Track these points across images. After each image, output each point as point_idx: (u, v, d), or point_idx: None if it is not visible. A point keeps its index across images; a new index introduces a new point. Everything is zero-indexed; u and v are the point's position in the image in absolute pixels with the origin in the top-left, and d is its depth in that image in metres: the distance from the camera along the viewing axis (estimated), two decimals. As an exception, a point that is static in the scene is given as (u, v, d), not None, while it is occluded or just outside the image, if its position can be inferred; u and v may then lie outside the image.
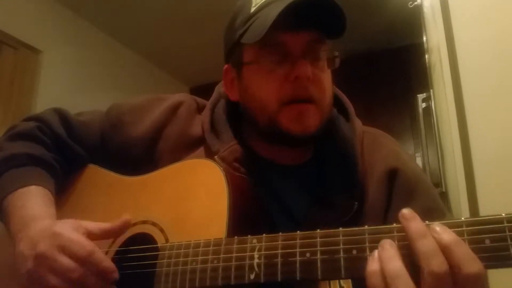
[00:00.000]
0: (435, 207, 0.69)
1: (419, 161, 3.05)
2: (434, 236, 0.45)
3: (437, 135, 1.72)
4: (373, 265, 0.46)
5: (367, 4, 2.86)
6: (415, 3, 1.85)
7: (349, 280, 0.61)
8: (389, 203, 0.69)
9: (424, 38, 1.82)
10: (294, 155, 0.74)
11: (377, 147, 0.74)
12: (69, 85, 2.79)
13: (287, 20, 0.64)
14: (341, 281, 0.61)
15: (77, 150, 0.80)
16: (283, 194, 0.71)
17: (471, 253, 0.43)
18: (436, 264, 0.43)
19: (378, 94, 3.35)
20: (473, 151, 1.45)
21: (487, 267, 0.43)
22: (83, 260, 0.57)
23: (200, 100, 0.82)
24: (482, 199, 1.40)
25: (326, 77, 0.70)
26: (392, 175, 0.69)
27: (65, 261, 0.57)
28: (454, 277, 0.43)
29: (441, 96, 1.65)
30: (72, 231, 0.60)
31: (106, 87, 3.09)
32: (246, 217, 0.61)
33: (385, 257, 0.45)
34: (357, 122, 0.76)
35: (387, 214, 0.68)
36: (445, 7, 1.60)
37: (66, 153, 0.80)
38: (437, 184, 1.76)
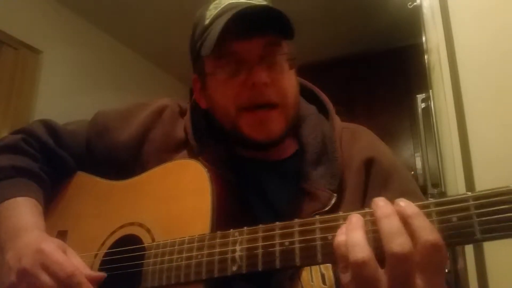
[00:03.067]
0: (410, 192, 0.71)
1: (418, 161, 3.06)
2: (397, 209, 0.46)
3: (436, 135, 1.73)
4: (339, 236, 0.47)
5: (366, 4, 2.86)
6: (415, 3, 1.86)
7: (329, 267, 0.64)
8: (366, 191, 0.71)
9: (424, 39, 1.83)
10: (276, 151, 0.76)
11: (355, 140, 0.76)
12: (69, 85, 2.79)
13: (239, 29, 0.66)
14: (322, 268, 0.64)
15: (66, 157, 0.82)
16: (267, 189, 0.73)
17: (430, 224, 0.44)
18: (398, 243, 0.43)
19: (377, 94, 3.36)
20: (472, 151, 1.46)
21: (454, 243, 0.45)
22: (62, 281, 0.59)
23: (183, 104, 0.84)
24: (481, 199, 1.40)
25: (287, 78, 0.71)
26: (368, 164, 0.72)
27: (45, 279, 0.59)
28: (415, 254, 0.43)
29: (440, 96, 1.65)
30: (57, 250, 0.62)
31: (106, 87, 3.10)
32: (229, 214, 0.63)
33: (349, 229, 0.47)
34: (336, 120, 0.78)
35: (365, 201, 0.70)
36: (444, 7, 1.61)
37: (55, 161, 0.82)
38: (436, 184, 1.76)
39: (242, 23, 0.65)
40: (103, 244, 0.70)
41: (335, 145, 0.73)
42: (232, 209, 0.65)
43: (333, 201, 0.68)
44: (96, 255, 0.70)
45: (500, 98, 1.47)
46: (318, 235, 0.51)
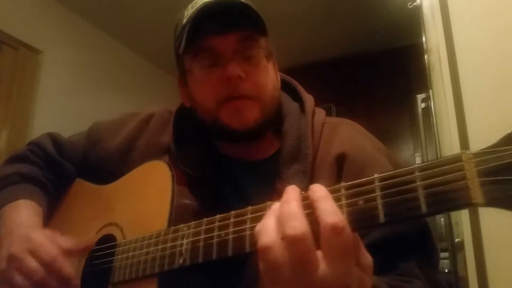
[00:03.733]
0: None
1: (418, 161, 3.06)
2: (307, 194, 0.45)
3: (436, 135, 1.73)
4: (257, 225, 0.46)
5: (366, 4, 2.86)
6: (415, 3, 1.86)
7: None
8: None
9: (424, 39, 1.83)
10: (257, 151, 0.78)
11: (334, 135, 0.75)
12: (69, 85, 2.79)
13: (213, 25, 0.69)
14: None
15: (67, 166, 0.89)
16: (246, 189, 0.74)
17: (334, 207, 0.43)
18: (290, 226, 0.42)
19: (377, 94, 3.36)
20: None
21: (360, 227, 0.43)
22: (47, 264, 0.64)
23: (174, 110, 0.86)
24: (481, 199, 1.40)
25: (262, 72, 0.73)
26: (340, 160, 0.71)
27: (31, 263, 0.64)
28: (313, 235, 0.42)
29: (440, 96, 1.65)
30: (44, 237, 0.67)
31: (106, 87, 3.10)
32: (203, 214, 0.62)
33: (265, 216, 0.46)
34: (317, 116, 0.78)
35: None
36: (444, 7, 1.61)
37: (58, 170, 0.89)
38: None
39: (216, 19, 0.68)
40: None
41: (307, 141, 0.73)
42: (208, 209, 0.64)
43: None
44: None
45: (500, 98, 1.47)
46: (248, 225, 0.51)
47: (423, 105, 2.01)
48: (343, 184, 0.46)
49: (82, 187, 0.88)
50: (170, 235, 0.61)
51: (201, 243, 0.56)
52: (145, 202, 0.71)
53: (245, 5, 0.68)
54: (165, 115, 0.85)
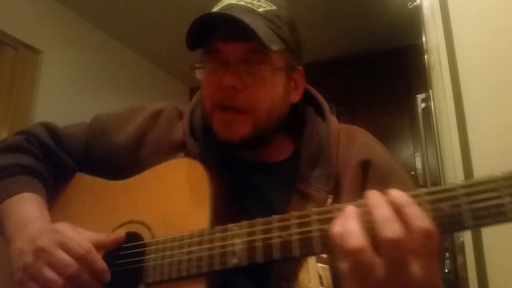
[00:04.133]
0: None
1: (418, 161, 3.06)
2: (389, 199, 0.47)
3: (436, 135, 1.73)
4: (335, 227, 0.48)
5: (366, 5, 2.86)
6: (415, 3, 1.85)
7: (327, 268, 0.65)
8: (363, 193, 0.70)
9: (424, 39, 1.83)
10: (273, 153, 0.78)
11: (351, 142, 0.76)
12: (69, 85, 2.79)
13: (226, 30, 0.69)
14: (319, 269, 0.65)
15: (66, 159, 0.84)
16: (264, 190, 0.75)
17: (422, 212, 0.46)
18: (391, 230, 0.45)
19: (377, 94, 3.36)
20: (472, 151, 1.46)
21: (447, 231, 0.47)
22: (79, 258, 0.61)
23: (180, 107, 0.86)
24: (481, 199, 1.40)
25: (264, 87, 0.71)
26: (365, 166, 0.72)
27: (63, 256, 0.61)
28: (409, 241, 0.44)
29: (440, 96, 1.65)
30: (72, 230, 0.64)
31: (106, 87, 3.10)
32: (225, 214, 0.64)
33: (345, 218, 0.48)
34: (333, 121, 0.79)
35: None
36: (444, 7, 1.60)
37: (56, 162, 0.83)
38: (436, 184, 1.76)
39: (230, 25, 0.67)
40: None
41: (330, 146, 0.74)
42: (228, 209, 0.66)
43: (328, 202, 0.69)
44: None
45: (500, 98, 1.47)
46: (315, 226, 0.53)
47: (423, 105, 2.01)
48: (422, 190, 0.49)
49: (85, 181, 0.83)
50: (218, 235, 0.59)
51: (259, 243, 0.55)
52: (176, 200, 0.68)
53: (249, 28, 0.66)
54: (174, 112, 0.83)
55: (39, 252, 0.61)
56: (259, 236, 0.56)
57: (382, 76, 3.37)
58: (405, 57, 3.15)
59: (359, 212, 0.49)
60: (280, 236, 0.54)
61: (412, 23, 1.99)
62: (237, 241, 0.57)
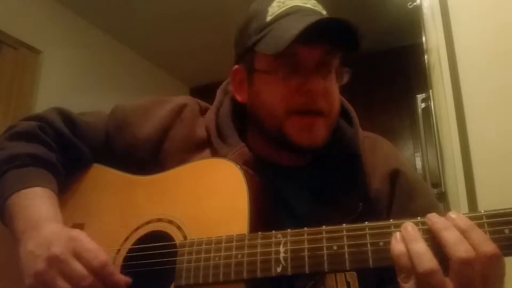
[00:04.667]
0: (433, 205, 0.73)
1: (418, 161, 3.06)
2: (454, 222, 0.48)
3: (436, 135, 1.73)
4: (398, 246, 0.49)
5: (366, 5, 2.86)
6: (415, 3, 1.85)
7: (354, 274, 0.64)
8: (391, 203, 0.71)
9: (424, 39, 1.83)
10: (295, 157, 0.76)
11: (377, 150, 0.76)
12: (69, 85, 2.79)
13: (304, 34, 0.64)
14: (347, 276, 0.64)
15: (82, 148, 0.80)
16: (286, 195, 0.72)
17: (486, 236, 0.47)
18: (463, 250, 0.46)
19: (377, 94, 3.36)
20: (472, 151, 1.46)
21: (508, 254, 0.47)
22: (95, 270, 0.58)
23: (202, 103, 0.83)
24: (481, 199, 1.41)
25: (335, 90, 0.72)
26: (394, 176, 0.72)
27: (78, 267, 0.57)
28: (477, 261, 0.46)
29: (440, 96, 1.65)
30: (88, 239, 0.61)
31: (106, 87, 3.10)
32: (262, 216, 0.63)
33: (408, 239, 0.49)
34: (360, 129, 0.79)
35: (389, 212, 0.70)
36: (444, 7, 1.60)
37: (71, 151, 0.79)
38: (437, 184, 1.76)
39: (309, 29, 0.64)
40: (126, 239, 0.68)
41: (359, 152, 0.74)
42: (264, 212, 0.64)
43: (359, 210, 0.68)
44: (118, 251, 0.68)
45: (500, 98, 1.47)
46: (368, 240, 0.52)
47: (423, 105, 2.01)
48: (483, 212, 0.49)
49: (104, 173, 0.78)
50: (259, 241, 0.57)
51: (306, 253, 0.54)
52: (211, 201, 0.64)
53: (353, 27, 0.66)
54: (196, 107, 0.81)
55: (53, 260, 0.58)
56: (306, 246, 0.54)
57: (382, 76, 3.37)
58: (405, 57, 3.15)
59: (419, 231, 0.50)
60: (329, 248, 0.53)
61: (412, 23, 1.99)
62: (281, 248, 0.55)
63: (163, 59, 3.61)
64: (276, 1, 0.71)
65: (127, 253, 0.67)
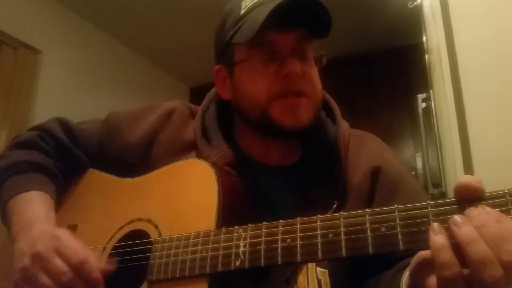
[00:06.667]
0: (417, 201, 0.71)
1: (419, 161, 3.05)
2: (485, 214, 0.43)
3: (437, 135, 1.72)
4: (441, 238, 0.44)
5: (367, 4, 2.86)
6: (415, 3, 1.85)
7: (326, 272, 0.66)
8: (371, 199, 0.72)
9: (424, 38, 1.82)
10: (282, 156, 0.78)
11: (361, 148, 0.77)
12: (69, 85, 2.79)
13: (276, 20, 0.67)
14: (318, 273, 0.66)
15: (79, 155, 0.85)
16: (270, 193, 0.75)
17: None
18: (489, 274, 0.41)
19: (378, 94, 3.36)
20: (473, 151, 1.45)
21: None
22: (74, 266, 0.61)
23: (193, 106, 0.86)
24: (482, 199, 1.40)
25: (314, 73, 0.75)
26: (375, 173, 0.73)
27: (59, 263, 0.61)
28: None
29: (441, 96, 1.65)
30: (70, 237, 0.64)
31: (106, 87, 3.09)
32: (234, 214, 0.64)
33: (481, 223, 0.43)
34: (344, 126, 0.80)
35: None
36: (445, 7, 1.60)
37: (69, 158, 0.84)
38: (437, 184, 1.76)
39: (281, 15, 0.67)
40: (111, 238, 0.73)
41: (340, 151, 0.74)
42: (237, 211, 0.66)
43: (333, 207, 0.69)
44: (104, 249, 0.72)
45: (501, 98, 1.47)
46: (319, 233, 0.52)
47: (423, 105, 2.00)
48: (506, 190, 0.44)
49: (98, 178, 0.83)
50: (223, 236, 0.59)
51: (262, 247, 0.55)
52: (184, 200, 0.68)
53: (322, 6, 0.68)
54: (186, 111, 0.83)
55: (36, 257, 0.62)
56: (263, 239, 0.56)
57: (383, 76, 3.37)
58: (405, 57, 3.14)
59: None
60: (283, 240, 0.54)
61: (413, 23, 1.98)
62: (241, 243, 0.57)
63: (163, 59, 3.60)
64: None
65: (111, 250, 0.71)
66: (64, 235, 0.64)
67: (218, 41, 0.78)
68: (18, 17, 2.51)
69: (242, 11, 0.72)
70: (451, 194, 1.71)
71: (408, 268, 0.55)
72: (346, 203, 0.71)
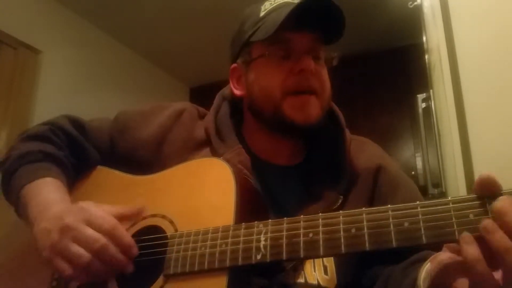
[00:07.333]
0: (415, 200, 0.74)
1: (419, 161, 3.05)
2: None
3: (437, 135, 1.72)
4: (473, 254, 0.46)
5: (367, 4, 2.86)
6: (415, 3, 1.85)
7: (331, 260, 0.70)
8: (372, 196, 0.77)
9: (424, 38, 1.83)
10: (288, 156, 0.82)
11: (362, 150, 0.83)
12: (69, 85, 2.79)
13: (294, 21, 0.72)
14: (324, 260, 0.70)
15: (90, 149, 0.86)
16: (277, 192, 0.78)
17: None
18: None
19: (378, 94, 3.36)
20: (473, 151, 1.45)
21: None
22: (106, 233, 0.62)
23: (200, 108, 0.89)
24: (482, 199, 1.40)
25: (325, 73, 0.79)
26: (377, 171, 0.78)
27: (89, 231, 0.62)
28: None
29: (441, 96, 1.65)
30: (97, 207, 0.66)
31: (106, 87, 3.09)
32: (248, 211, 0.66)
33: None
34: (347, 131, 0.84)
35: (371, 205, 0.73)
36: (445, 7, 1.60)
37: (80, 152, 0.85)
38: (437, 184, 1.76)
39: (299, 16, 0.72)
40: None
41: (344, 151, 0.79)
42: (250, 208, 0.68)
43: (338, 202, 0.72)
44: None
45: (501, 98, 1.47)
46: (341, 227, 0.54)
47: (423, 105, 2.01)
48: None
49: (108, 174, 0.83)
50: (242, 230, 0.60)
51: (284, 240, 0.56)
52: (201, 197, 0.68)
53: (338, 8, 0.72)
54: (194, 112, 0.87)
55: (65, 229, 0.62)
56: (284, 233, 0.57)
57: (383, 76, 3.37)
58: (405, 57, 3.14)
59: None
60: (305, 235, 0.55)
61: (413, 23, 1.99)
62: (262, 237, 0.58)
63: (163, 59, 3.60)
64: (268, 1, 0.79)
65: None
66: (91, 205, 0.65)
67: (236, 42, 0.82)
68: (18, 17, 2.51)
69: (262, 13, 0.77)
70: (451, 194, 1.71)
71: (424, 265, 0.57)
72: (349, 198, 0.74)
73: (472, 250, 0.45)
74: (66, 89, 2.76)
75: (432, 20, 1.69)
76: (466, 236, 0.46)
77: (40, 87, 2.60)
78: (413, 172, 3.03)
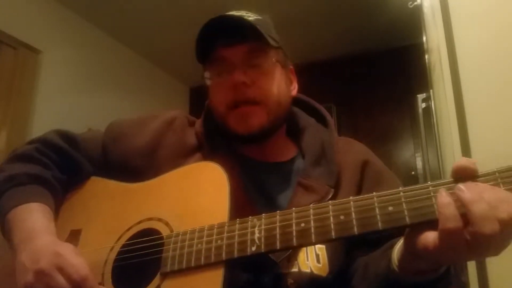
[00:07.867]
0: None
1: (419, 161, 3.05)
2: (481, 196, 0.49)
3: (437, 135, 1.73)
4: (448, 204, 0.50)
5: (366, 4, 2.86)
6: (415, 3, 1.85)
7: (323, 247, 0.73)
8: (360, 188, 0.81)
9: (424, 38, 1.83)
10: (276, 154, 0.85)
11: (350, 148, 0.87)
12: (69, 85, 2.79)
13: (223, 38, 0.77)
14: (316, 249, 0.73)
15: (82, 160, 0.87)
16: (269, 188, 0.81)
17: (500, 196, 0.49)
18: (489, 228, 0.47)
19: (378, 94, 3.36)
20: (473, 151, 1.45)
21: None
22: (76, 284, 0.63)
23: (190, 116, 0.93)
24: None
25: (269, 78, 0.80)
26: (363, 165, 0.83)
27: (61, 281, 0.63)
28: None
29: (441, 96, 1.65)
30: (72, 254, 0.66)
31: (106, 87, 3.09)
32: (238, 210, 0.68)
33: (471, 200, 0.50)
34: (335, 132, 0.89)
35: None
36: (445, 7, 1.60)
37: (71, 165, 0.86)
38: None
39: (227, 32, 0.76)
40: (119, 238, 0.74)
41: (333, 148, 0.83)
42: (241, 206, 0.70)
43: (330, 195, 0.76)
44: (112, 248, 0.73)
45: (501, 98, 1.47)
46: (331, 215, 0.57)
47: (423, 105, 2.01)
48: (495, 169, 0.51)
49: (103, 184, 0.85)
50: (237, 225, 0.62)
51: (278, 231, 0.59)
52: (196, 200, 0.70)
53: (251, 24, 0.75)
54: (185, 120, 0.90)
55: (39, 274, 0.64)
56: (278, 224, 0.60)
57: (383, 76, 3.37)
58: (405, 57, 3.14)
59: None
60: (297, 224, 0.58)
61: (413, 23, 1.99)
62: (256, 230, 0.60)
63: (163, 59, 3.60)
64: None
65: (120, 249, 0.73)
66: (66, 251, 0.66)
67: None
68: (18, 17, 2.51)
69: (198, 35, 0.80)
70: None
71: (398, 241, 0.61)
72: (339, 192, 0.78)
73: (444, 198, 0.50)
74: (66, 89, 2.76)
75: (432, 20, 1.69)
76: (442, 190, 0.52)
77: (40, 87, 2.60)
78: (413, 172, 3.03)
